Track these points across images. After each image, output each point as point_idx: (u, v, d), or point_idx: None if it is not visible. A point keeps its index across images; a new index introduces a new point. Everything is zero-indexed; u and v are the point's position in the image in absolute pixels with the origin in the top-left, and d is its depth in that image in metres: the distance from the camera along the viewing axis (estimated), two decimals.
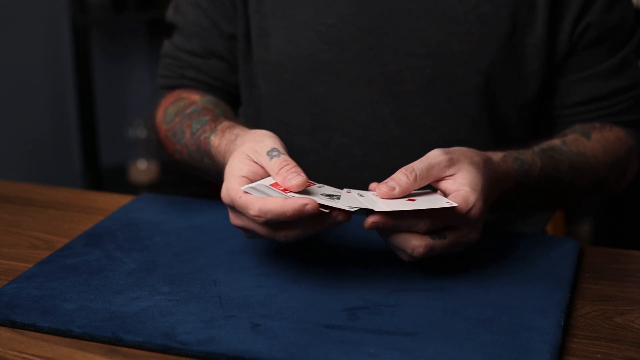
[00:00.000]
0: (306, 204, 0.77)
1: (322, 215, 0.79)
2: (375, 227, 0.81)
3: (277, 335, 0.75)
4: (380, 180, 1.06)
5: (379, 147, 1.06)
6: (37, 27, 2.51)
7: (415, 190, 0.84)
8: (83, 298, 0.82)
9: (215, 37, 1.13)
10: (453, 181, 0.84)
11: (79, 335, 0.76)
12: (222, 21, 1.12)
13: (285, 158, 0.83)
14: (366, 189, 1.07)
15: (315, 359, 0.72)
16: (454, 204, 0.81)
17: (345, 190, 0.84)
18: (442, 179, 0.84)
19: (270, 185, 0.82)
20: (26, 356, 0.74)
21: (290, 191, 0.81)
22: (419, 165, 0.83)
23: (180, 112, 1.07)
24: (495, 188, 0.89)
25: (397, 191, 0.82)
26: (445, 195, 0.84)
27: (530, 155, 0.96)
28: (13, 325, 0.78)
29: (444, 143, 1.05)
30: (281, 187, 0.82)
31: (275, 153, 0.83)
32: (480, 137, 1.07)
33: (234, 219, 0.84)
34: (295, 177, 0.81)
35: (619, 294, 0.85)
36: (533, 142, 1.00)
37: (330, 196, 0.82)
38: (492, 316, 0.78)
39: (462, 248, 0.86)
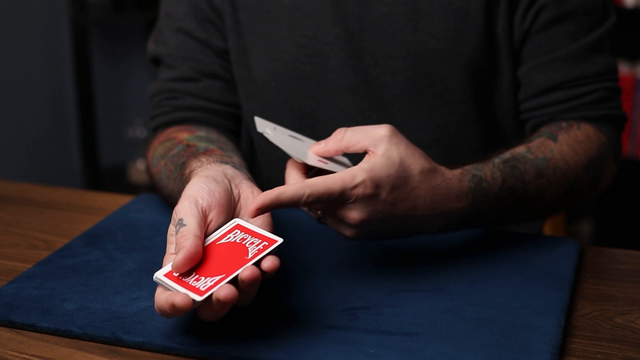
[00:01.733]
0: (174, 303, 0.70)
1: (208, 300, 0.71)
2: (259, 211, 0.76)
3: (276, 335, 0.75)
4: None
5: None
6: (37, 26, 2.51)
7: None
8: (83, 298, 0.82)
9: (206, 56, 1.09)
10: (366, 158, 0.81)
11: (78, 335, 0.76)
12: (212, 39, 1.08)
13: (182, 231, 0.74)
14: None
15: (315, 359, 0.71)
16: (330, 170, 0.82)
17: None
18: (369, 152, 0.82)
19: (165, 274, 0.73)
20: (26, 356, 0.74)
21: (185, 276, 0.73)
22: (356, 129, 0.83)
23: (166, 153, 0.99)
24: (441, 203, 0.84)
25: (322, 148, 0.84)
26: None
27: (489, 170, 0.88)
28: (12, 325, 0.78)
29: (435, 142, 1.05)
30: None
31: (179, 225, 0.75)
32: (470, 132, 1.06)
33: None
34: (179, 252, 0.72)
35: (620, 294, 0.85)
36: (494, 152, 0.93)
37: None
38: (492, 316, 0.78)
39: (344, 232, 0.83)
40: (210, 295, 0.70)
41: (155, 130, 1.11)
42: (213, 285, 0.71)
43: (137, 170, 2.60)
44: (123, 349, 0.75)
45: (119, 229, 0.97)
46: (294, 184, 0.78)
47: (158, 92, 1.11)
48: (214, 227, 0.77)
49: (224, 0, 1.07)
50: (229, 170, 0.83)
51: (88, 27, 2.49)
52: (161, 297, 0.72)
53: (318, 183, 0.78)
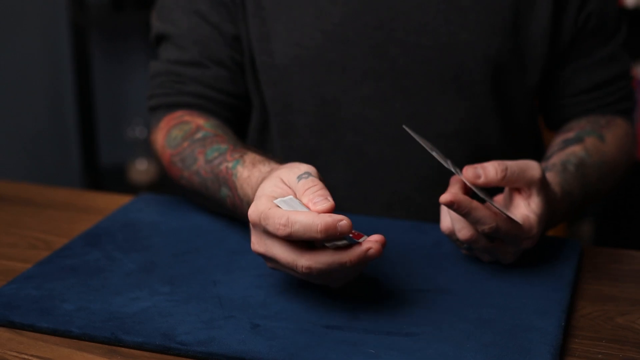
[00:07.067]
0: (341, 220, 0.72)
1: (352, 247, 0.75)
2: (450, 204, 0.81)
3: (276, 336, 0.75)
4: (397, 177, 1.06)
5: (391, 143, 1.06)
6: (36, 26, 2.51)
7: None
8: (82, 299, 0.81)
9: (216, 42, 1.08)
10: (528, 203, 0.86)
11: (78, 335, 0.76)
12: (224, 24, 1.08)
13: (313, 179, 0.77)
14: (381, 186, 1.08)
15: (315, 359, 0.71)
16: (521, 223, 0.84)
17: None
18: (520, 190, 0.86)
19: (303, 204, 0.77)
20: (25, 357, 0.74)
21: None
22: (513, 165, 0.85)
23: (187, 136, 1.00)
24: (546, 225, 0.91)
25: (481, 180, 0.84)
26: (508, 208, 0.87)
27: (575, 184, 0.97)
28: (12, 325, 0.78)
29: (456, 134, 1.06)
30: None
31: (305, 175, 0.78)
32: (490, 125, 1.08)
33: (256, 244, 0.78)
34: (322, 201, 0.75)
35: (620, 295, 0.85)
36: (559, 150, 1.02)
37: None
38: (492, 317, 0.78)
39: (491, 258, 0.89)
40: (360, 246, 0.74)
41: (154, 110, 1.11)
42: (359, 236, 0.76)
43: (137, 170, 2.60)
44: (123, 349, 0.75)
45: (118, 229, 0.97)
46: (487, 211, 0.82)
47: (163, 72, 1.11)
48: None
49: None
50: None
51: (88, 26, 2.49)
52: (303, 213, 0.73)
53: (506, 219, 0.83)
